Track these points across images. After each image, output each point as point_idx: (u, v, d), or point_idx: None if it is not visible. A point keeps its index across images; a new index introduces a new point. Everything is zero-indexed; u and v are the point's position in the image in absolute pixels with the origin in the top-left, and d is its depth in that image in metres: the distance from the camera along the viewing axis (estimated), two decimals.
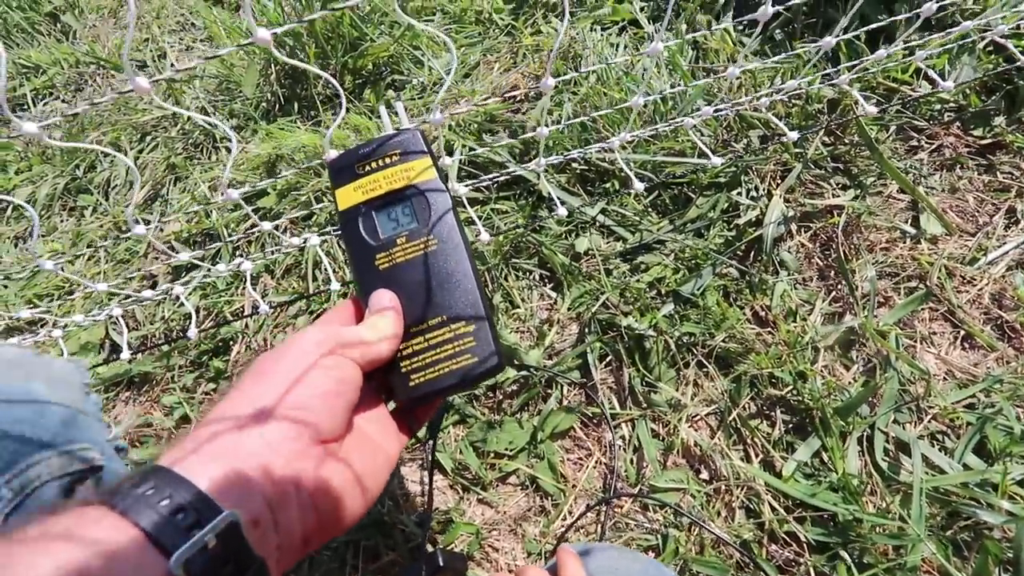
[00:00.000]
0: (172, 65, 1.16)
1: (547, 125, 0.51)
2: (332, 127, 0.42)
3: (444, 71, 0.93)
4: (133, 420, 0.69)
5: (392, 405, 0.38)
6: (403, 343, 0.37)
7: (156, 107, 1.02)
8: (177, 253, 0.59)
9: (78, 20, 1.33)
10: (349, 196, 0.41)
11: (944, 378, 0.58)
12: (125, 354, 0.63)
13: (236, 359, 0.72)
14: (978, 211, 0.68)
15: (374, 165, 0.41)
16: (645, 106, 0.77)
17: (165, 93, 1.06)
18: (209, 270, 0.63)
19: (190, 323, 0.66)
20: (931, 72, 0.69)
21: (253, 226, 0.79)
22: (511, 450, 0.60)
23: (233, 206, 0.83)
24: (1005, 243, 0.65)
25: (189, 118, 1.01)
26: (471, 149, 0.79)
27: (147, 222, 0.90)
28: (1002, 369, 0.57)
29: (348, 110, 0.92)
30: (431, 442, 0.58)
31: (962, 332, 0.60)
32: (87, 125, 1.05)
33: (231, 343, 0.73)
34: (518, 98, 0.86)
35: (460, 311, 0.38)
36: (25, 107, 1.18)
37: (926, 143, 0.73)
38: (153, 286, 0.82)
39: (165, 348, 0.74)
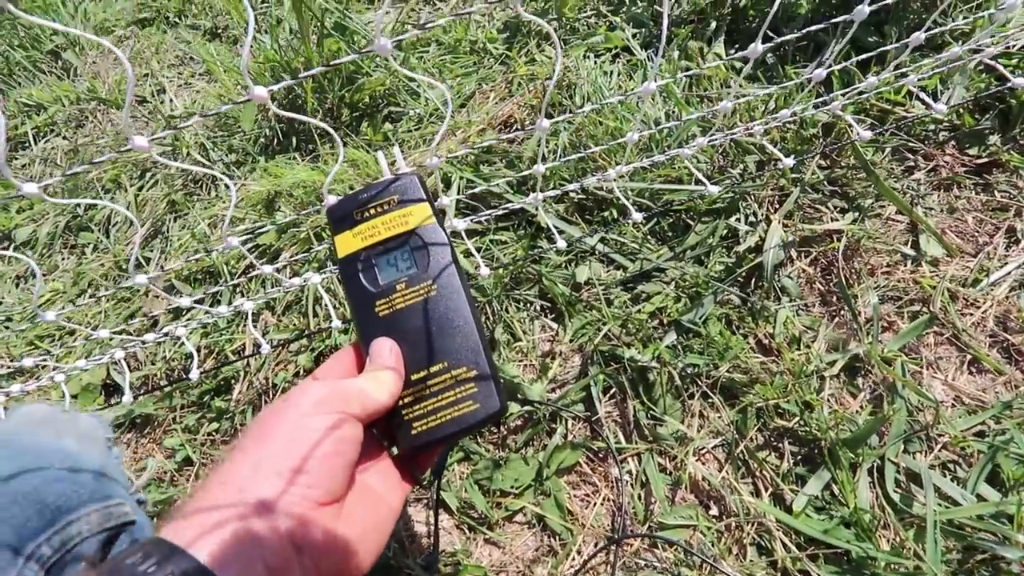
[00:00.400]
0: (171, 100, 1.17)
1: (543, 158, 0.51)
2: (330, 175, 0.43)
3: (440, 102, 0.94)
4: (153, 473, 0.68)
5: (395, 450, 0.38)
6: (404, 390, 0.37)
7: (156, 142, 1.03)
8: (179, 295, 0.59)
9: (79, 57, 1.35)
10: (348, 243, 0.41)
11: (952, 404, 0.58)
12: (127, 398, 0.63)
13: (238, 398, 0.72)
14: (977, 231, 0.68)
15: (373, 211, 0.41)
16: (640, 137, 0.78)
17: (164, 128, 1.07)
18: (207, 312, 0.63)
19: (191, 362, 0.66)
20: (923, 95, 0.69)
21: (252, 266, 0.79)
22: (517, 488, 0.59)
23: None
24: (1006, 263, 0.65)
25: (189, 154, 1.02)
26: (469, 182, 0.79)
27: (148, 260, 0.90)
28: (1011, 394, 0.56)
29: (345, 143, 0.92)
30: (436, 482, 0.57)
31: (968, 356, 0.60)
32: (87, 161, 1.05)
33: (233, 382, 0.73)
34: (514, 128, 0.86)
35: (461, 357, 0.38)
36: (27, 145, 1.19)
37: (922, 163, 0.74)
38: (154, 325, 0.82)
39: (167, 389, 0.74)
